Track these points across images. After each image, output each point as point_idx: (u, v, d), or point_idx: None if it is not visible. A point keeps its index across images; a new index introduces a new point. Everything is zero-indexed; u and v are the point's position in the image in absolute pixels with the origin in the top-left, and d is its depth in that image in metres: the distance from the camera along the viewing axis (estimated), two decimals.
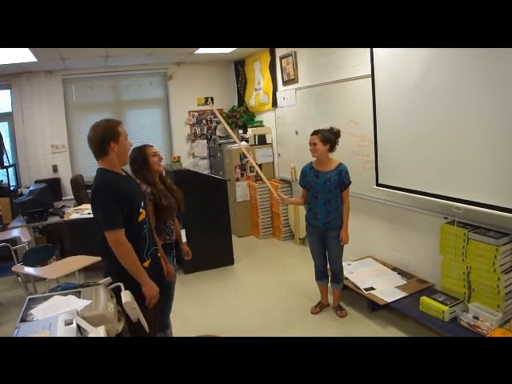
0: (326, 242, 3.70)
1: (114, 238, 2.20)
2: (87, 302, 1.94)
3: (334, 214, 3.59)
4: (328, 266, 3.83)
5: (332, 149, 3.57)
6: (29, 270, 3.66)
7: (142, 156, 2.92)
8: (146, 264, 2.37)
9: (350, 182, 3.60)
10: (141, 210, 2.36)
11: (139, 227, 2.35)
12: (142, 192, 2.61)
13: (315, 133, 3.56)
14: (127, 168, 2.91)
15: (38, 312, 1.88)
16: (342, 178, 3.55)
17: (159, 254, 2.60)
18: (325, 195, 3.57)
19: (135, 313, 2.12)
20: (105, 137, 2.24)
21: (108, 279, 2.22)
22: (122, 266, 2.24)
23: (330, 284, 3.89)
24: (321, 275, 3.87)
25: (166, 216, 2.93)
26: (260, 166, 6.40)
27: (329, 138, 3.52)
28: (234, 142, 6.69)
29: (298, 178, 3.85)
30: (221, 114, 7.30)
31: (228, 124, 7.14)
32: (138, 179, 2.88)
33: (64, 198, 6.30)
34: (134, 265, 2.25)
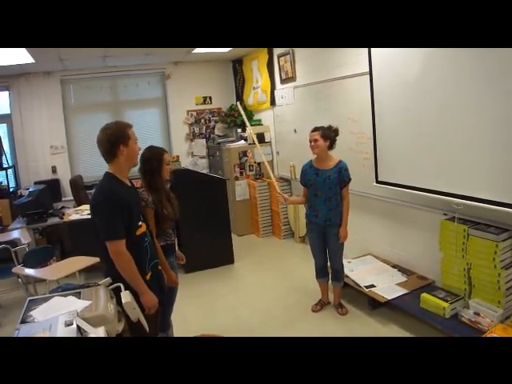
0: (326, 239, 3.71)
1: (114, 249, 2.18)
2: (87, 303, 1.94)
3: (334, 212, 3.59)
4: (328, 264, 3.84)
5: (331, 146, 3.57)
6: (29, 271, 3.66)
7: (158, 160, 2.86)
8: (148, 277, 2.37)
9: (349, 180, 3.60)
10: (140, 222, 2.36)
11: (139, 240, 2.34)
12: (141, 204, 2.59)
13: (316, 129, 3.57)
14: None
15: (38, 313, 1.88)
16: (341, 175, 3.55)
17: (160, 267, 2.60)
18: (325, 193, 3.57)
19: (135, 313, 2.12)
20: (114, 139, 2.23)
21: (108, 280, 2.22)
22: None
23: (330, 282, 3.89)
24: (321, 273, 3.87)
25: (166, 226, 2.92)
26: (259, 164, 6.41)
27: (329, 134, 3.53)
28: (233, 141, 6.70)
29: (297, 176, 3.85)
30: (219, 113, 7.32)
31: (227, 123, 7.18)
32: (143, 182, 2.87)
33: (63, 199, 6.30)
34: (133, 275, 2.24)
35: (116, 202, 2.19)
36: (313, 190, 3.66)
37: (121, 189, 2.28)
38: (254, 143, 4.36)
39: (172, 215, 2.93)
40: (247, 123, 4.10)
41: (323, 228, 3.66)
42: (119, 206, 2.19)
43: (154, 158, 2.87)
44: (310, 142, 3.58)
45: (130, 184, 2.42)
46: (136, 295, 2.22)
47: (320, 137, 3.51)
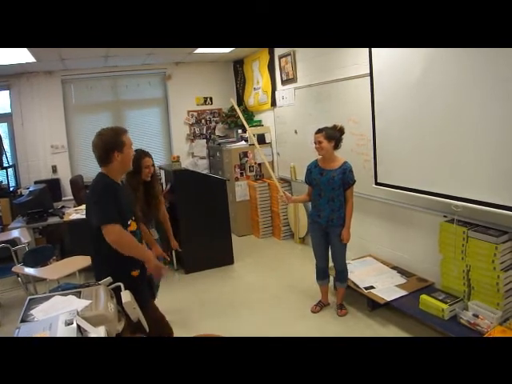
0: (329, 239, 3.71)
1: (111, 232, 2.20)
2: (87, 302, 1.94)
3: (337, 213, 3.59)
4: (330, 265, 3.83)
5: (337, 146, 3.57)
6: (29, 270, 3.66)
7: (137, 163, 3.09)
8: (136, 274, 2.42)
9: (353, 182, 3.59)
10: (129, 221, 2.40)
11: None
12: (132, 205, 2.66)
13: (319, 131, 3.56)
14: None
15: (39, 312, 1.88)
16: (345, 177, 3.54)
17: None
18: (328, 193, 3.57)
19: (135, 313, 2.12)
20: (109, 146, 2.29)
21: (108, 279, 2.22)
22: (112, 271, 2.26)
23: (333, 283, 3.89)
24: (322, 274, 3.87)
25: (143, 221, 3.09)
26: (259, 165, 6.41)
27: (333, 135, 3.53)
28: (234, 142, 6.70)
29: (298, 177, 3.85)
30: (219, 114, 7.33)
31: (227, 124, 7.18)
32: (125, 179, 3.05)
33: (64, 199, 6.30)
34: (137, 248, 2.33)
35: (111, 192, 2.27)
36: (317, 190, 3.66)
37: (114, 184, 2.36)
38: (254, 144, 4.33)
39: (149, 216, 3.25)
40: (245, 123, 4.08)
41: (325, 228, 3.66)
42: (114, 196, 2.27)
43: (135, 160, 3.05)
44: (315, 143, 3.58)
45: (121, 184, 2.49)
46: (136, 295, 2.22)
47: (324, 138, 3.50)
